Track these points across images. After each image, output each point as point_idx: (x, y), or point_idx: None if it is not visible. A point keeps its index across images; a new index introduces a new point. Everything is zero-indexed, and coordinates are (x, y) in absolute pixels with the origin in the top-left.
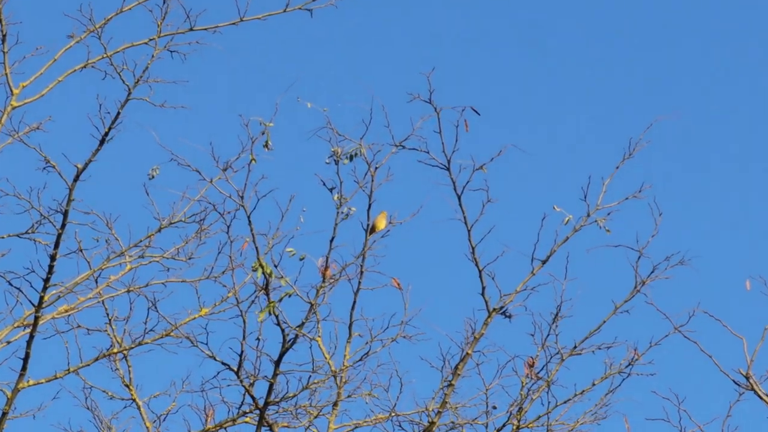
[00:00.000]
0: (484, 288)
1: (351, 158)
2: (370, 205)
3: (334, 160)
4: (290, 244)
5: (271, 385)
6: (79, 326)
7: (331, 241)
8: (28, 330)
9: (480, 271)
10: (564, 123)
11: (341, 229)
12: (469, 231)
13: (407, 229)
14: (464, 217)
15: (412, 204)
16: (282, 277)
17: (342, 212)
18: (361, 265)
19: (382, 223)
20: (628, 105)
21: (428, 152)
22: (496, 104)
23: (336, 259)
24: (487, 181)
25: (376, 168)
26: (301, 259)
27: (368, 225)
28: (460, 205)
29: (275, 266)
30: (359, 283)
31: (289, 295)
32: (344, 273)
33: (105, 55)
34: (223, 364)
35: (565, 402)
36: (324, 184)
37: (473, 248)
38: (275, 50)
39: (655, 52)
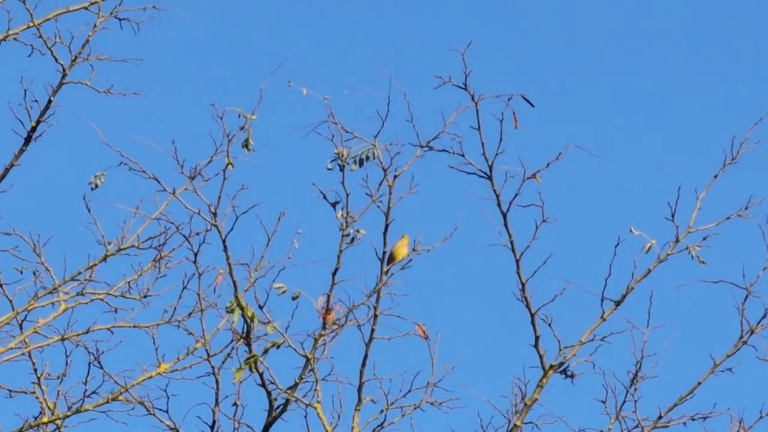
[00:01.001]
0: (537, 338)
1: (361, 163)
2: (387, 226)
3: (339, 166)
4: (279, 278)
5: None
6: None
7: (334, 273)
8: None
9: (532, 315)
10: (634, 119)
11: (348, 258)
12: (517, 261)
13: (436, 259)
14: (511, 243)
15: (443, 224)
16: (268, 321)
17: (348, 235)
18: (375, 307)
19: (402, 251)
20: (722, 96)
21: (464, 155)
22: (545, 96)
23: (341, 299)
24: (542, 195)
25: (396, 176)
26: (294, 298)
27: (384, 253)
28: (506, 226)
29: (259, 307)
30: (372, 330)
31: (278, 346)
32: (352, 317)
33: (32, 24)
34: None
35: None
36: (325, 198)
37: (523, 284)
38: (260, 20)
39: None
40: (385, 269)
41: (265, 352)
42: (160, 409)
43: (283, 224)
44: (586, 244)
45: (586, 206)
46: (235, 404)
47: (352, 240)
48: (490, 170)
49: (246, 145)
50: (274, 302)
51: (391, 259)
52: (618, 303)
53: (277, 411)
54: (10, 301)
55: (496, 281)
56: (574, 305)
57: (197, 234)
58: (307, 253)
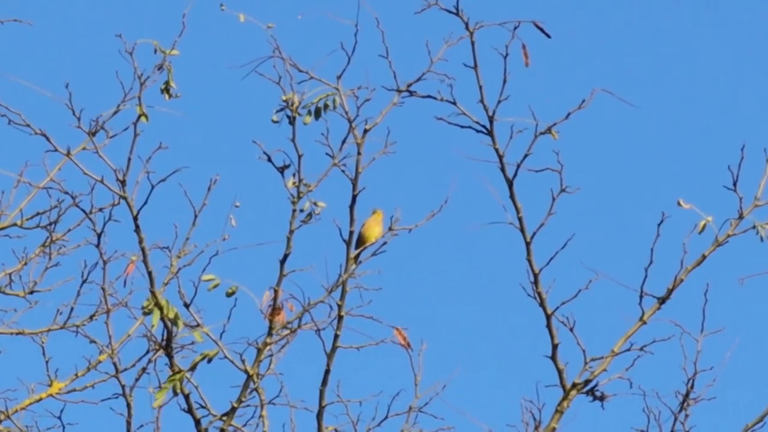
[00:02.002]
0: (555, 347)
1: (318, 113)
2: (354, 198)
3: (288, 117)
4: (211, 267)
5: None
6: None
7: (284, 261)
8: None
9: (548, 317)
10: (678, 53)
11: (303, 241)
12: (528, 244)
13: (420, 242)
14: (519, 220)
15: (429, 196)
16: (197, 326)
17: (303, 210)
18: (339, 306)
19: (375, 230)
20: None
21: (455, 103)
22: (563, 24)
23: (293, 295)
24: (560, 157)
25: (365, 131)
26: (229, 295)
27: (351, 233)
28: (513, 197)
29: (185, 306)
30: (336, 337)
31: (209, 359)
32: (308, 319)
33: None
34: None
35: None
36: (270, 161)
37: (536, 276)
38: None
39: None
40: (352, 255)
41: (193, 367)
42: None
43: (215, 195)
44: (620, 221)
45: (617, 171)
46: None
47: (309, 216)
48: (491, 123)
49: (165, 89)
50: (204, 300)
51: (361, 241)
52: (662, 300)
53: None
54: None
55: (499, 271)
56: (604, 303)
57: (100, 210)
58: (248, 234)
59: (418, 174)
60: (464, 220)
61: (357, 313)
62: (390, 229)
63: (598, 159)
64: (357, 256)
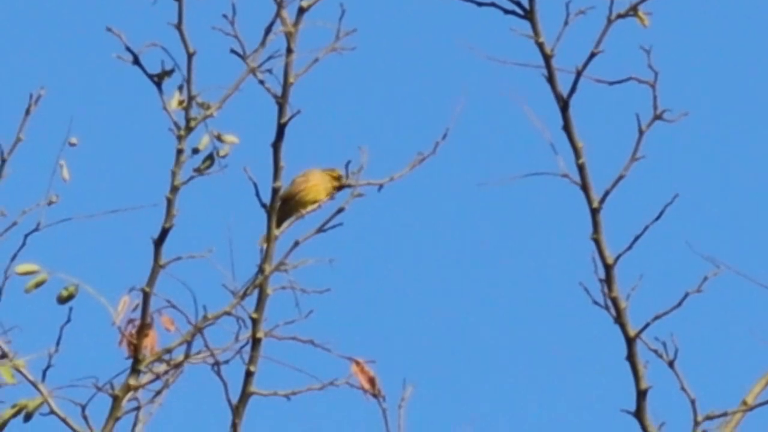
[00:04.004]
0: (642, 394)
1: None
2: (281, 130)
3: None
4: (27, 252)
5: None
6: None
7: (159, 241)
8: None
9: (630, 342)
10: None
11: (194, 203)
12: (595, 212)
13: (401, 206)
14: (580, 171)
15: (414, 129)
16: (2, 356)
17: (195, 150)
18: (255, 321)
19: (317, 188)
20: None
21: None
22: None
23: (172, 301)
24: (653, 60)
25: (302, 10)
26: (63, 300)
27: (276, 192)
28: (568, 130)
29: None
30: (248, 374)
31: (27, 415)
32: (201, 345)
33: None
34: None
35: None
36: (137, 62)
37: (608, 270)
38: None
39: None
40: (277, 231)
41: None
42: None
43: (36, 123)
44: (751, 175)
45: (747, 88)
46: None
47: (207, 161)
48: (531, 4)
49: None
50: (19, 308)
51: (295, 206)
52: None
53: None
54: None
55: (540, 260)
56: (726, 318)
57: None
58: (94, 195)
59: (395, 89)
60: (479, 170)
61: (285, 334)
62: (345, 184)
63: (718, 65)
64: (286, 229)
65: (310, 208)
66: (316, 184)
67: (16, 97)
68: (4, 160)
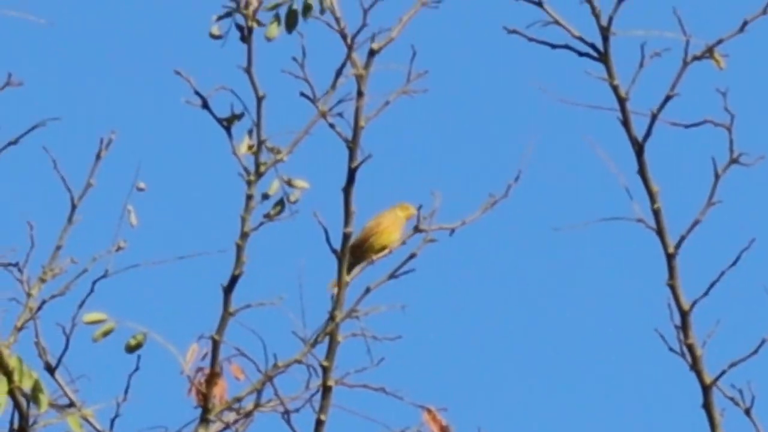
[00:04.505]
0: None
1: (292, 22)
2: (352, 174)
3: (239, 29)
4: (96, 300)
5: None
6: None
7: (229, 289)
8: None
9: (706, 390)
10: None
11: (264, 249)
12: (671, 257)
13: (473, 251)
14: (656, 216)
15: (487, 173)
16: (70, 405)
17: (265, 195)
18: (325, 369)
19: (390, 233)
20: None
21: (540, 3)
22: None
23: (242, 349)
24: (729, 102)
25: (373, 53)
26: (132, 349)
27: (347, 238)
28: (643, 174)
29: (49, 370)
30: (318, 423)
31: None
32: (271, 394)
33: None
34: None
35: None
36: (206, 106)
37: (684, 316)
38: None
39: None
40: (347, 277)
41: None
42: None
43: (107, 169)
44: None
45: None
46: None
47: (277, 207)
48: (606, 41)
49: None
50: (86, 357)
51: (366, 251)
52: None
53: None
54: None
55: (613, 305)
56: None
57: None
58: (164, 240)
59: (467, 131)
60: (553, 214)
61: (356, 381)
62: (417, 228)
63: None
64: (356, 275)
65: (381, 253)
66: (387, 227)
67: (86, 142)
68: (74, 206)
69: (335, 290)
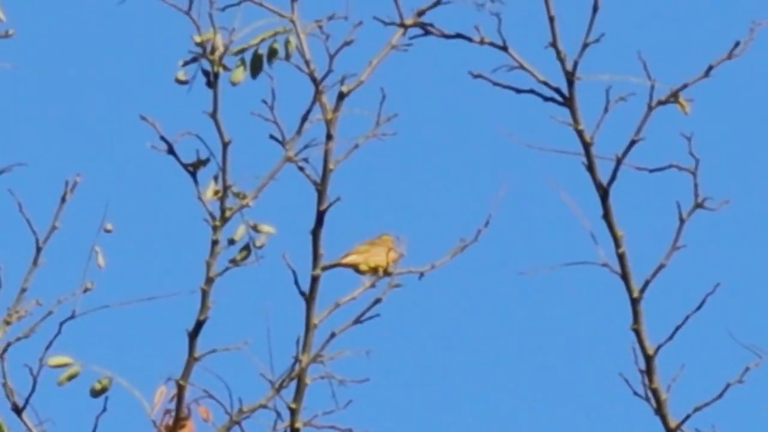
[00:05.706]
0: None
1: (257, 66)
2: (320, 217)
3: (205, 74)
4: (62, 343)
5: None
6: None
7: (194, 333)
8: None
9: None
10: None
11: (230, 293)
12: (635, 302)
13: (441, 295)
14: (621, 260)
15: (456, 215)
16: None
17: (231, 241)
18: (293, 411)
19: (379, 258)
20: None
21: (505, 47)
22: None
23: (210, 393)
24: (693, 146)
25: (342, 96)
26: (97, 393)
27: (315, 281)
28: (608, 218)
29: (16, 410)
30: None
31: None
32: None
33: None
34: None
35: None
36: (172, 152)
37: (649, 360)
38: None
39: None
40: (315, 319)
41: None
42: None
43: (73, 211)
44: None
45: None
46: None
47: (243, 252)
48: (570, 85)
49: None
50: (51, 400)
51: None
52: None
53: None
54: None
55: (581, 350)
56: None
57: None
58: (129, 283)
59: (435, 175)
60: (519, 259)
61: (324, 423)
62: (385, 272)
63: (759, 153)
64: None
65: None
66: (362, 261)
67: (52, 185)
68: (39, 248)
69: (305, 331)
